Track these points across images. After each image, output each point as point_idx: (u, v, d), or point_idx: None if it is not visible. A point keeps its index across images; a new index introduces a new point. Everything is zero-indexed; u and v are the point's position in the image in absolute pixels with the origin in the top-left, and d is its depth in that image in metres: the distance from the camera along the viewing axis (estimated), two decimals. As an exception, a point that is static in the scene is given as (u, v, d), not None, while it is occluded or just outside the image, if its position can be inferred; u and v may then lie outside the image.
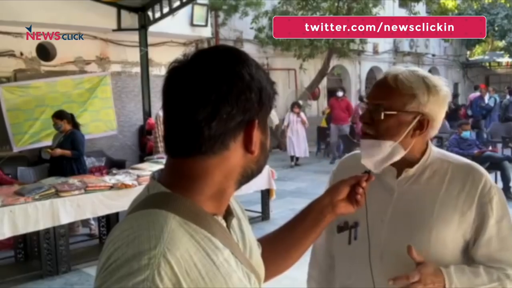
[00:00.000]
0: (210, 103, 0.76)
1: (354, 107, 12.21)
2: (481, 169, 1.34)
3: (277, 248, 1.09)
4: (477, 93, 13.91)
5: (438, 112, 1.29)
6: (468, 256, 1.31)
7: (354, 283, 1.36)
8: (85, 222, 5.82)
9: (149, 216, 0.76)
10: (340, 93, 11.72)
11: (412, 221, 1.28)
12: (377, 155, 1.26)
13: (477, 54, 24.30)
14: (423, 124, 1.27)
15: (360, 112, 1.35)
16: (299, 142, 10.79)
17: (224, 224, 0.84)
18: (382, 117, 1.24)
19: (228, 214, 0.87)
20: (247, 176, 0.85)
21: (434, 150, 1.36)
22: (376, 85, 1.31)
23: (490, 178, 1.33)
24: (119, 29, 8.05)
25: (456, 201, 1.28)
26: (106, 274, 0.70)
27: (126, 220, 0.78)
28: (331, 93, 16.20)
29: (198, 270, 0.73)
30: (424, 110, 1.26)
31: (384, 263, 1.29)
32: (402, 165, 1.31)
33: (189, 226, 0.76)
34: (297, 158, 11.09)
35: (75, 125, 5.87)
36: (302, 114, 10.96)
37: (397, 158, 1.28)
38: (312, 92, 13.85)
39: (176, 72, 0.81)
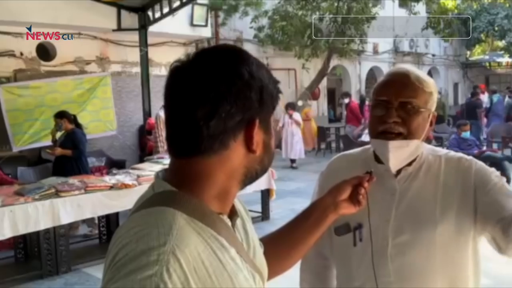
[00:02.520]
0: (209, 102, 0.76)
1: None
2: (470, 157, 1.37)
3: (280, 247, 1.10)
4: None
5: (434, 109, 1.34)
6: (480, 226, 1.27)
7: (362, 285, 1.35)
8: (90, 222, 5.83)
9: (157, 214, 0.75)
10: (345, 100, 12.23)
11: (417, 217, 1.30)
12: (403, 155, 1.28)
13: (477, 54, 24.28)
14: (432, 121, 1.32)
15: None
16: (293, 143, 10.64)
17: (229, 223, 0.84)
18: (417, 114, 1.26)
19: (233, 214, 0.87)
20: (251, 176, 0.85)
21: (425, 146, 1.38)
22: (399, 83, 1.29)
23: (478, 161, 1.36)
24: (119, 29, 8.04)
25: (454, 191, 1.30)
26: (114, 270, 0.70)
27: (133, 218, 0.78)
28: (331, 93, 16.23)
29: (205, 268, 0.73)
30: (433, 108, 1.31)
31: (392, 262, 1.30)
32: None
33: (195, 224, 0.76)
34: (294, 161, 10.87)
35: (78, 125, 5.93)
36: (295, 115, 10.77)
37: (416, 155, 1.31)
38: (312, 92, 13.84)
39: (177, 71, 0.81)
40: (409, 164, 1.32)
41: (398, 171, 1.33)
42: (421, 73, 1.32)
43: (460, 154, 1.39)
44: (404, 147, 1.26)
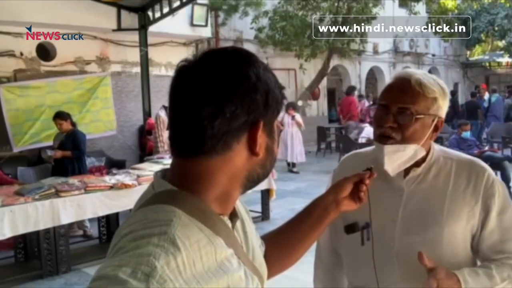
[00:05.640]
0: (214, 101, 0.76)
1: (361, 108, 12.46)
2: (483, 163, 1.38)
3: (282, 245, 1.10)
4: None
5: (445, 112, 1.33)
6: (474, 249, 1.34)
7: (369, 284, 1.35)
8: (80, 224, 5.76)
9: (158, 211, 0.76)
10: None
11: (424, 219, 1.31)
12: (400, 159, 1.28)
13: (477, 54, 24.27)
14: (438, 125, 1.31)
15: (371, 114, 1.35)
16: (294, 145, 10.03)
17: (230, 225, 0.84)
18: (413, 121, 1.25)
19: (233, 216, 0.87)
20: (253, 180, 0.84)
21: (436, 148, 1.39)
22: (399, 88, 1.29)
23: (492, 172, 1.37)
24: (119, 29, 8.04)
25: (463, 196, 1.31)
26: (114, 252, 0.71)
27: (135, 215, 0.78)
28: (331, 93, 16.23)
29: (202, 264, 0.73)
30: (439, 113, 1.30)
31: (400, 262, 1.31)
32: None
33: (195, 224, 0.76)
34: (294, 164, 10.22)
35: (74, 125, 5.93)
36: (297, 116, 10.11)
37: (416, 159, 1.30)
38: (312, 92, 13.83)
39: (184, 70, 0.81)
40: (418, 165, 1.33)
41: (407, 172, 1.33)
42: (426, 77, 1.30)
43: (472, 158, 1.39)
44: (401, 151, 1.27)
